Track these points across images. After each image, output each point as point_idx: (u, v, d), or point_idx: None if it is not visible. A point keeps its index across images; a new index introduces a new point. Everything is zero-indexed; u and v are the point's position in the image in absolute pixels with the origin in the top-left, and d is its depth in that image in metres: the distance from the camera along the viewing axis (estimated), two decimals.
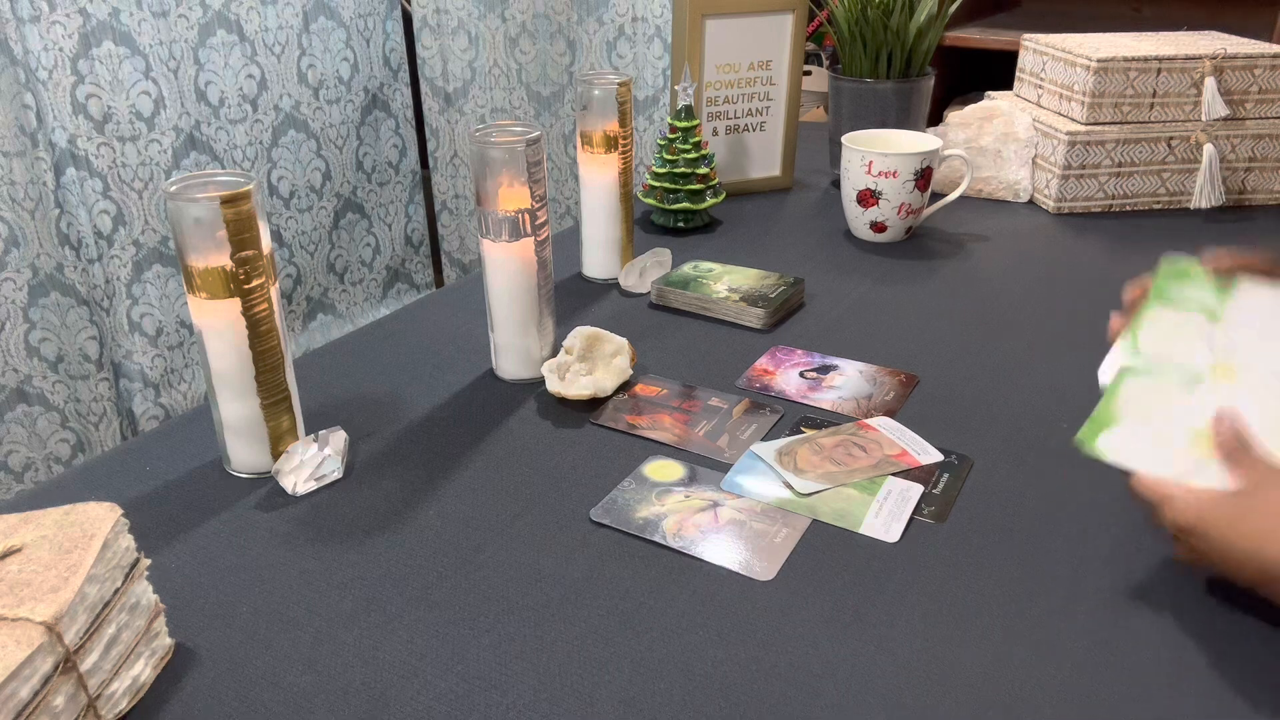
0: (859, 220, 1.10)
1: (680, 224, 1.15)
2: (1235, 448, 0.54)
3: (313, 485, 0.68)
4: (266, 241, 0.64)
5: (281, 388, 0.68)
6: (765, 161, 1.28)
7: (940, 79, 1.81)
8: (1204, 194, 1.15)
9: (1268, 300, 0.57)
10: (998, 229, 1.14)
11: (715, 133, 1.24)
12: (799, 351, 0.86)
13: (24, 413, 1.47)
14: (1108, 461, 0.57)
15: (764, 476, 0.68)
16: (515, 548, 0.62)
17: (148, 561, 0.52)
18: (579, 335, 0.80)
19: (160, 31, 1.51)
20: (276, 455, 0.69)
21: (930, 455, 0.70)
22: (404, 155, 2.01)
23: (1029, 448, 0.71)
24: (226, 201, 0.61)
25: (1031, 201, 1.23)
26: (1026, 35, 1.27)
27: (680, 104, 1.12)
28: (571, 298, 0.98)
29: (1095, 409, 0.60)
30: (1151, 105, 1.14)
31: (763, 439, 0.73)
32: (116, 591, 0.49)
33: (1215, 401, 0.56)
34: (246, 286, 0.63)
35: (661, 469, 0.69)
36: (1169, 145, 1.15)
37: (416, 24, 1.92)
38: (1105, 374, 0.60)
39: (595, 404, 0.78)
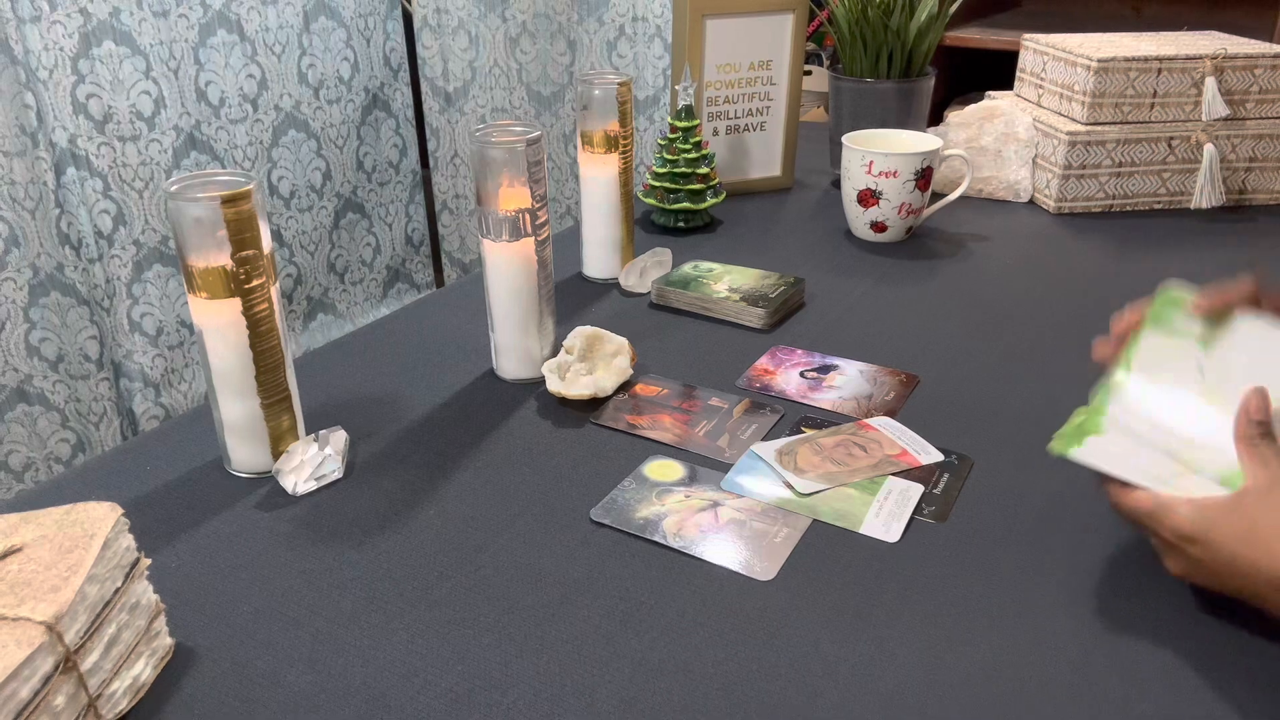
0: (859, 220, 1.10)
1: (680, 224, 1.15)
2: (1256, 435, 0.53)
3: (313, 485, 0.68)
4: (267, 241, 0.64)
5: (282, 387, 0.68)
6: (765, 161, 1.28)
7: (940, 79, 1.81)
8: (1204, 194, 1.15)
9: (1261, 334, 0.56)
10: (998, 229, 1.14)
11: (715, 133, 1.24)
12: (799, 351, 0.86)
13: (24, 412, 1.47)
14: (1083, 464, 0.57)
15: (764, 476, 0.68)
16: (515, 547, 0.62)
17: (148, 561, 0.52)
18: (579, 335, 0.80)
19: (160, 31, 1.51)
20: (277, 455, 0.69)
21: (930, 455, 0.70)
22: (404, 155, 2.01)
23: (1029, 448, 0.71)
24: (227, 201, 0.61)
25: (1032, 201, 1.23)
26: (1027, 35, 1.27)
27: (680, 104, 1.12)
28: (571, 298, 0.98)
29: (1074, 418, 0.60)
30: (1152, 105, 1.14)
31: (763, 439, 0.73)
32: (117, 591, 0.49)
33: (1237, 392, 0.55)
34: (247, 286, 0.63)
35: (662, 469, 0.69)
36: (1169, 145, 1.15)
37: (417, 24, 1.92)
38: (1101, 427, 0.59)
39: (595, 404, 0.78)
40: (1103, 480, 0.57)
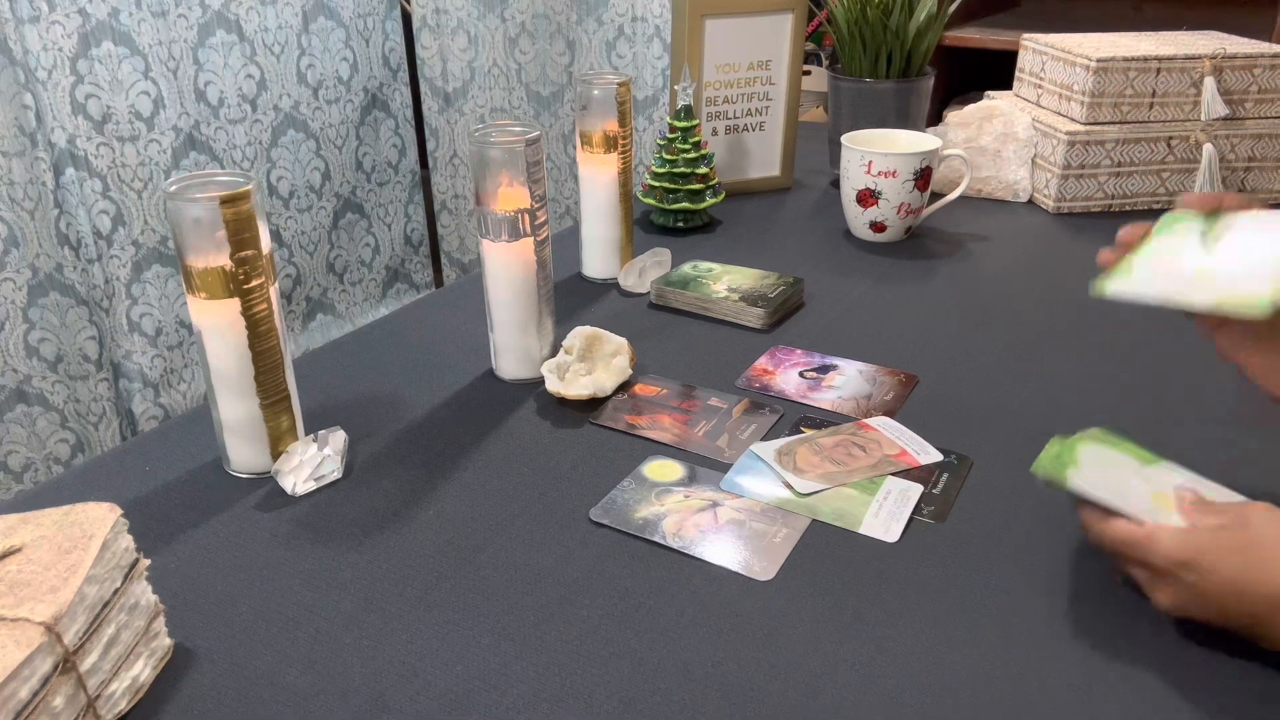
0: (859, 220, 1.10)
1: (680, 224, 1.15)
2: (1198, 506, 0.53)
3: (312, 485, 0.68)
4: (266, 241, 0.64)
5: (281, 388, 0.68)
6: (765, 161, 1.28)
7: (940, 79, 1.81)
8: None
9: (1260, 219, 0.58)
10: (997, 229, 1.14)
11: (715, 132, 1.24)
12: (799, 351, 0.86)
13: (24, 413, 1.47)
14: (1080, 492, 0.56)
15: (764, 476, 0.68)
16: (515, 548, 0.62)
17: (147, 562, 0.52)
18: (579, 335, 0.80)
19: (160, 31, 1.51)
20: (276, 455, 0.69)
21: (930, 455, 0.70)
22: (403, 155, 2.01)
23: (1029, 448, 0.71)
24: (226, 201, 0.61)
25: (1031, 201, 1.23)
26: (1026, 35, 1.27)
27: (680, 104, 1.12)
28: (571, 298, 0.98)
29: (1052, 447, 0.60)
30: (1151, 105, 1.14)
31: (762, 439, 0.73)
32: (116, 591, 0.49)
33: (1172, 480, 0.56)
34: (246, 286, 0.63)
35: (661, 469, 0.69)
36: (1168, 145, 1.15)
37: (416, 24, 1.92)
38: (1109, 287, 0.60)
39: (595, 404, 0.78)
40: (1081, 513, 0.56)
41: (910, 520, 0.63)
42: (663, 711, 0.50)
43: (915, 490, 0.66)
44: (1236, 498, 0.55)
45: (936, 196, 1.16)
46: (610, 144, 0.95)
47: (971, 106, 1.23)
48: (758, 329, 0.90)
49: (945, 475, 0.68)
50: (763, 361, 0.84)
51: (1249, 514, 0.51)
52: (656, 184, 1.14)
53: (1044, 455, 0.59)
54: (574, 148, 2.01)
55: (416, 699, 0.50)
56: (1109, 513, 0.55)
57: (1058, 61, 1.19)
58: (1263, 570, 0.48)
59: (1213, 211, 0.60)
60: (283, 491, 0.68)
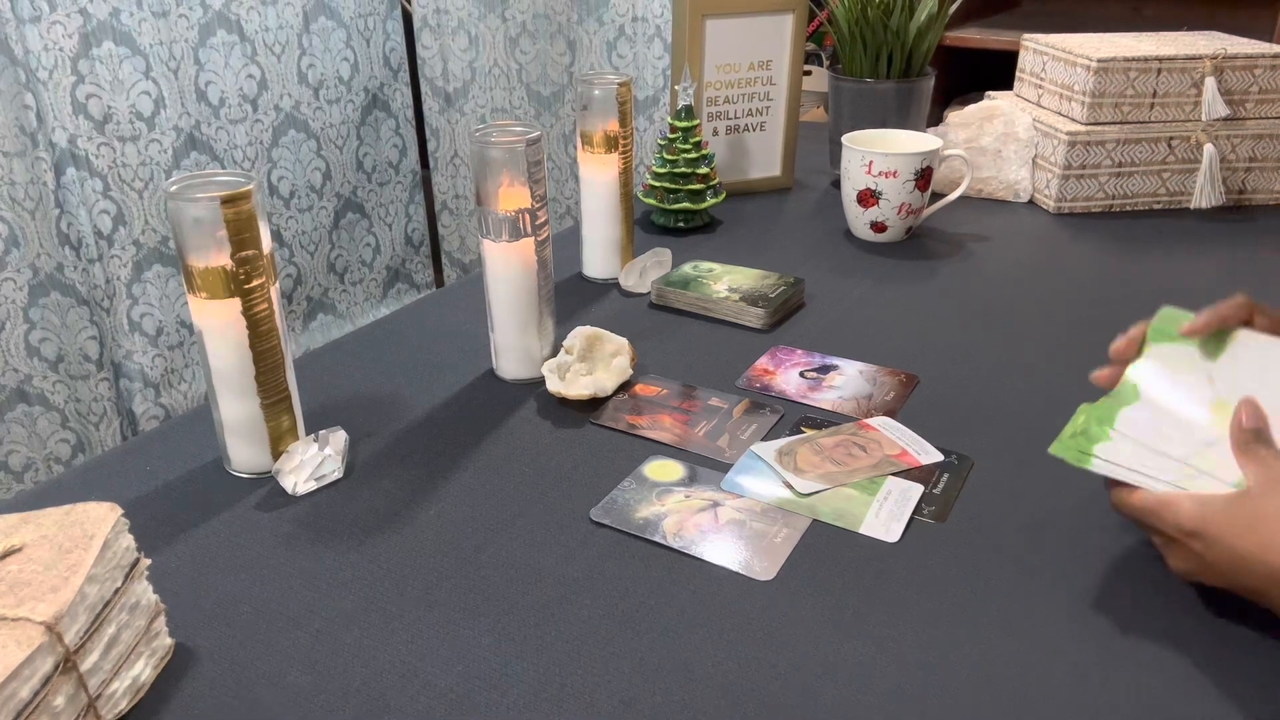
0: (859, 220, 1.10)
1: (680, 224, 1.15)
2: (1251, 440, 0.53)
3: (313, 485, 0.68)
4: (267, 241, 0.64)
5: (281, 388, 0.68)
6: (765, 161, 1.28)
7: (940, 79, 1.81)
8: (1204, 194, 1.15)
9: (1263, 350, 0.57)
10: (998, 229, 1.14)
11: (715, 133, 1.24)
12: (799, 351, 0.86)
13: (24, 413, 1.47)
14: (1096, 472, 0.57)
15: (764, 476, 0.68)
16: (515, 547, 0.62)
17: (148, 561, 0.52)
18: (579, 335, 0.80)
19: (160, 31, 1.51)
20: (276, 455, 0.69)
21: (930, 455, 0.70)
22: (404, 155, 2.01)
23: (1029, 448, 0.71)
24: (227, 201, 0.61)
25: (1031, 201, 1.23)
26: (1026, 35, 1.27)
27: (680, 104, 1.12)
28: (571, 298, 0.98)
29: (1075, 419, 0.59)
30: (1151, 105, 1.14)
31: (763, 439, 0.73)
32: (116, 591, 0.49)
33: (1238, 382, 0.56)
34: (246, 286, 0.63)
35: (661, 469, 0.69)
36: (1169, 145, 1.15)
37: (416, 24, 1.92)
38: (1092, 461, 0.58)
39: (595, 404, 0.78)
40: (1109, 482, 0.57)
41: (910, 520, 0.63)
42: (663, 711, 0.50)
43: (916, 490, 0.66)
44: None
45: (937, 196, 1.16)
46: (611, 144, 0.95)
47: (972, 106, 1.23)
48: (758, 329, 0.90)
49: (945, 475, 0.68)
50: (763, 361, 0.84)
51: (1268, 486, 0.51)
52: (657, 184, 1.14)
53: (1068, 429, 0.59)
54: (574, 148, 2.01)
55: (416, 699, 0.51)
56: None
57: (1058, 62, 1.19)
58: (1263, 544, 0.49)
59: (1213, 333, 0.58)
60: (283, 491, 0.68)
